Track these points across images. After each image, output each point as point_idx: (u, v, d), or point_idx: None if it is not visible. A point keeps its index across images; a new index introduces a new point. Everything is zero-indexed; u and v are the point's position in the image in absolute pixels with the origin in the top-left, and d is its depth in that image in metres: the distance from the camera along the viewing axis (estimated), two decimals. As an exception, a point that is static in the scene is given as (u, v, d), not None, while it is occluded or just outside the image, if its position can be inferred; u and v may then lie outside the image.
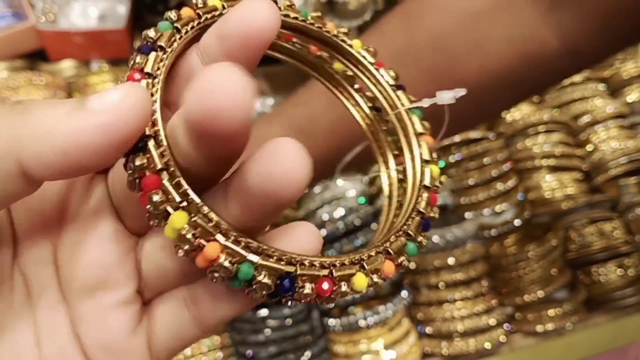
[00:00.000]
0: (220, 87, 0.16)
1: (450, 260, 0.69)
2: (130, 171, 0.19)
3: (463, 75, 0.45)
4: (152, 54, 0.20)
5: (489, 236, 0.76)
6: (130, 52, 0.92)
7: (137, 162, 0.18)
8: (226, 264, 0.18)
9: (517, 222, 0.76)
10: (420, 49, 0.46)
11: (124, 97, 0.18)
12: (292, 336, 0.67)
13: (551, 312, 0.69)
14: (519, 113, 0.83)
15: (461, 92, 0.24)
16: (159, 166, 0.18)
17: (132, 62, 0.20)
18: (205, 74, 0.16)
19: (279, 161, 0.17)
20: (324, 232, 0.71)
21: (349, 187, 0.73)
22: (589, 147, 0.83)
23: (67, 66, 0.92)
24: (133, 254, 0.22)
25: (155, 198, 0.18)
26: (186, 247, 0.18)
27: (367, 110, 0.27)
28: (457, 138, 0.79)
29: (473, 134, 0.79)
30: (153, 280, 0.22)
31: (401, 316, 0.70)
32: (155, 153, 0.18)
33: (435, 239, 0.70)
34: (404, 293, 0.69)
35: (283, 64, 0.27)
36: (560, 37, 0.43)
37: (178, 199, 0.18)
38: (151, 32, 0.20)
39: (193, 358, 0.67)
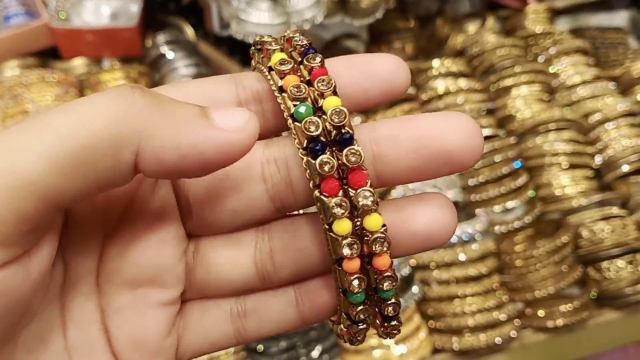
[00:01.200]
0: None
1: (461, 256, 0.69)
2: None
3: None
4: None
5: (499, 233, 0.76)
6: (142, 50, 0.93)
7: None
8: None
9: (527, 219, 0.76)
10: None
11: (247, 124, 0.19)
12: (302, 330, 0.68)
13: (562, 307, 0.69)
14: (530, 111, 0.83)
15: None
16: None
17: None
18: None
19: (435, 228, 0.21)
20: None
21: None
22: (600, 145, 0.83)
23: (78, 64, 0.93)
24: (185, 257, 0.22)
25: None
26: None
27: None
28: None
29: (484, 132, 0.80)
30: (205, 287, 0.22)
31: (412, 312, 0.70)
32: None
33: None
34: (415, 288, 0.69)
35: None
36: None
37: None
38: None
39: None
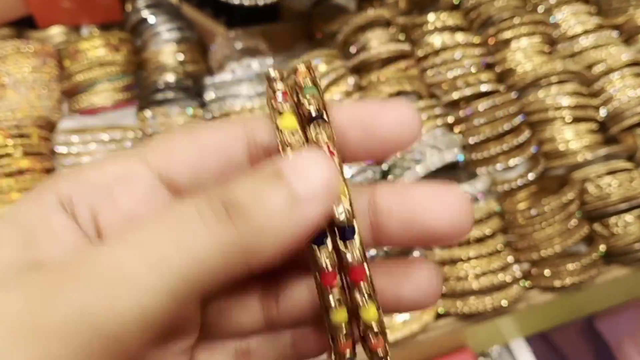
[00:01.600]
0: None
1: (463, 218, 0.67)
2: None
3: None
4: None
5: (502, 191, 0.73)
6: (122, 15, 0.89)
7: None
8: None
9: (530, 176, 0.73)
10: None
11: (329, 181, 0.18)
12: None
13: (570, 266, 0.67)
14: (530, 64, 0.79)
15: None
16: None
17: None
18: None
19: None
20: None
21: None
22: (604, 97, 0.79)
23: (56, 32, 0.89)
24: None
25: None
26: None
27: None
28: (467, 92, 0.76)
29: (484, 87, 0.76)
30: (216, 328, 0.23)
31: (414, 277, 0.67)
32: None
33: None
34: (416, 253, 0.67)
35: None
36: None
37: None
38: None
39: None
